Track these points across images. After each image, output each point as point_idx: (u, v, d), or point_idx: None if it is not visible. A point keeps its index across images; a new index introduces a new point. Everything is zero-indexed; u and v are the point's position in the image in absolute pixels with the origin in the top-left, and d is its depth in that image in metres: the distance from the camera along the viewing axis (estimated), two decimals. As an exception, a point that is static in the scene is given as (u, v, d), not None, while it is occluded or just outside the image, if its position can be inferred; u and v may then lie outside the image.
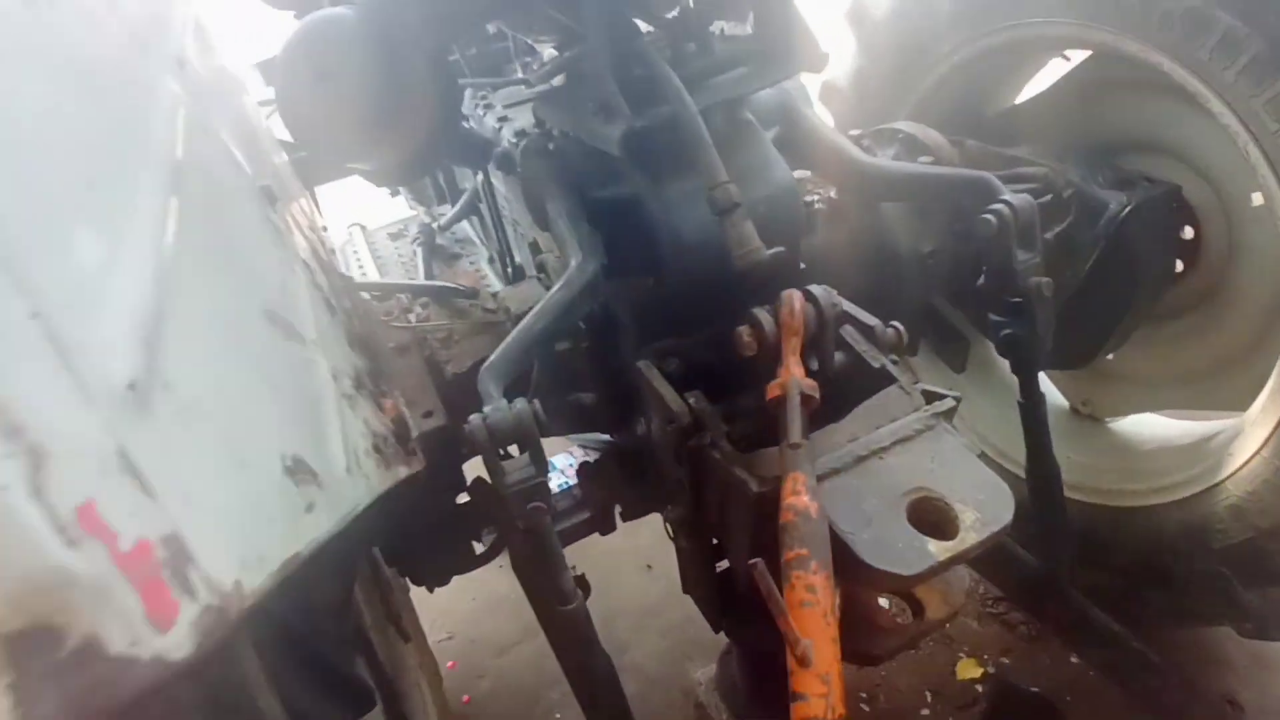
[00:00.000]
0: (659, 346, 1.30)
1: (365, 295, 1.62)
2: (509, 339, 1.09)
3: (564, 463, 2.69)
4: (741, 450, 1.14)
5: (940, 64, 1.78)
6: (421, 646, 1.92)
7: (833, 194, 1.66)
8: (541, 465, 1.04)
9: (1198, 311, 1.77)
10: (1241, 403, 1.63)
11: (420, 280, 1.77)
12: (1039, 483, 1.48)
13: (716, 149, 1.15)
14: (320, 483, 0.52)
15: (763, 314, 1.13)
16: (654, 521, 2.55)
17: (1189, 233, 1.68)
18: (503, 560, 2.61)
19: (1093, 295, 1.64)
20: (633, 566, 2.44)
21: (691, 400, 1.20)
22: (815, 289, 1.15)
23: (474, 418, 1.01)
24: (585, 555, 2.54)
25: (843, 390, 1.28)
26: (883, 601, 1.20)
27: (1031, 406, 1.41)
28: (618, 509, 1.64)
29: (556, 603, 1.18)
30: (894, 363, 1.24)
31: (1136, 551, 1.70)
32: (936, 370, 2.20)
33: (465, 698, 2.16)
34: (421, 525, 1.47)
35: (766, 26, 1.22)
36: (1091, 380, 2.01)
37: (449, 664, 2.25)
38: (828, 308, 1.14)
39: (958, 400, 1.15)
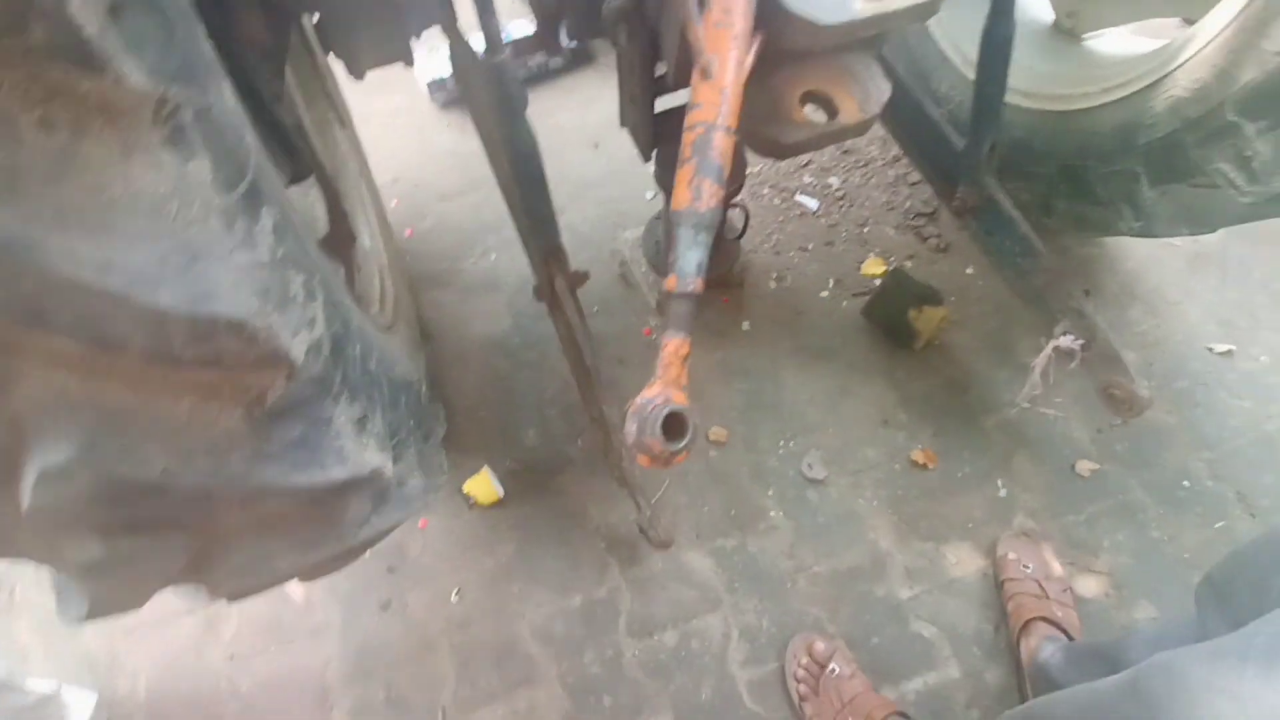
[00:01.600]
0: None
1: None
2: None
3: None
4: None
5: None
6: (362, 164, 1.98)
7: None
8: None
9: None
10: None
11: None
12: (990, 45, 1.46)
13: None
14: None
15: None
16: (604, 102, 2.52)
17: None
18: (452, 120, 2.60)
19: None
20: (580, 143, 2.46)
21: None
22: None
23: None
24: (537, 127, 2.54)
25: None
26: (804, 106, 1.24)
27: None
28: (563, 27, 1.58)
29: (483, 53, 1.18)
30: None
31: (1064, 156, 1.76)
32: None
33: (408, 231, 2.29)
34: (356, 3, 1.41)
35: None
36: (1084, -9, 1.91)
37: (393, 202, 2.35)
38: None
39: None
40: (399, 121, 2.57)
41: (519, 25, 2.38)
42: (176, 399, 0.70)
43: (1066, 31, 1.97)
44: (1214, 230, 1.62)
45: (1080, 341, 1.63)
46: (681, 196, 0.89)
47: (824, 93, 1.16)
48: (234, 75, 1.24)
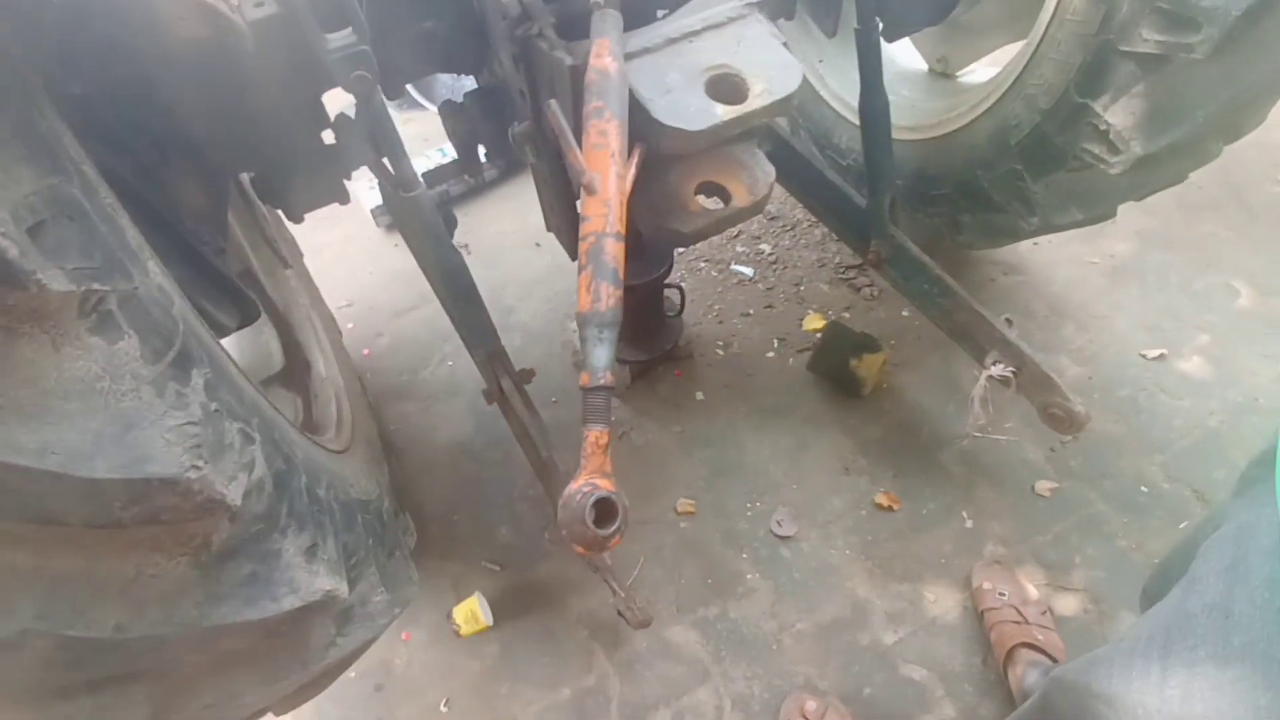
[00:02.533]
0: (494, -54, 1.29)
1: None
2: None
3: (422, 166, 2.69)
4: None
5: None
6: (313, 292, 2.07)
7: None
8: (363, 34, 1.08)
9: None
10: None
11: None
12: (869, 116, 1.59)
13: None
14: None
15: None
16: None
17: None
18: (398, 240, 2.72)
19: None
20: (522, 245, 2.58)
21: (523, -8, 1.22)
22: None
23: (285, -23, 1.02)
24: (480, 233, 2.68)
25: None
26: (699, 197, 1.35)
27: (866, 33, 1.48)
28: (481, 149, 1.71)
29: (400, 189, 1.28)
30: (725, -33, 1.27)
31: (956, 173, 1.89)
32: (810, 35, 2.23)
33: (365, 351, 2.37)
34: (287, 158, 1.52)
35: None
36: (947, 37, 2.09)
37: (348, 325, 2.44)
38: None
39: (775, -6, 1.21)
40: (349, 249, 2.70)
41: (449, 147, 2.54)
42: (122, 557, 0.75)
43: (941, 74, 2.14)
44: (1106, 211, 1.72)
45: (1011, 369, 1.71)
46: (583, 300, 0.98)
47: (716, 182, 1.28)
48: (173, 240, 1.34)
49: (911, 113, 1.95)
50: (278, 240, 1.86)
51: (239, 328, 1.52)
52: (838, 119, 2.19)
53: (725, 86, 1.12)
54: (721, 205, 1.29)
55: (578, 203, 1.57)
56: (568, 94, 1.15)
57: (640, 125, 1.09)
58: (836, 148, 2.20)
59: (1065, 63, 1.46)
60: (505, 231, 2.63)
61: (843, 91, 2.18)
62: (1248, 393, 2.02)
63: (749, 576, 1.84)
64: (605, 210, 1.00)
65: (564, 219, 1.62)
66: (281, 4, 1.05)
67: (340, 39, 1.07)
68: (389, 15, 1.43)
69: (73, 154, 0.78)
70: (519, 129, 1.43)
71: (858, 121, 2.16)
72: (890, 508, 1.91)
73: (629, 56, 1.12)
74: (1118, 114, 1.44)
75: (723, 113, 1.08)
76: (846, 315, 2.29)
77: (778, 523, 1.91)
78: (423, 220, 1.31)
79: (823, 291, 2.36)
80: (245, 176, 1.75)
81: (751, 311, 2.33)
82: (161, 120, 1.27)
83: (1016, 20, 1.89)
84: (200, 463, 0.75)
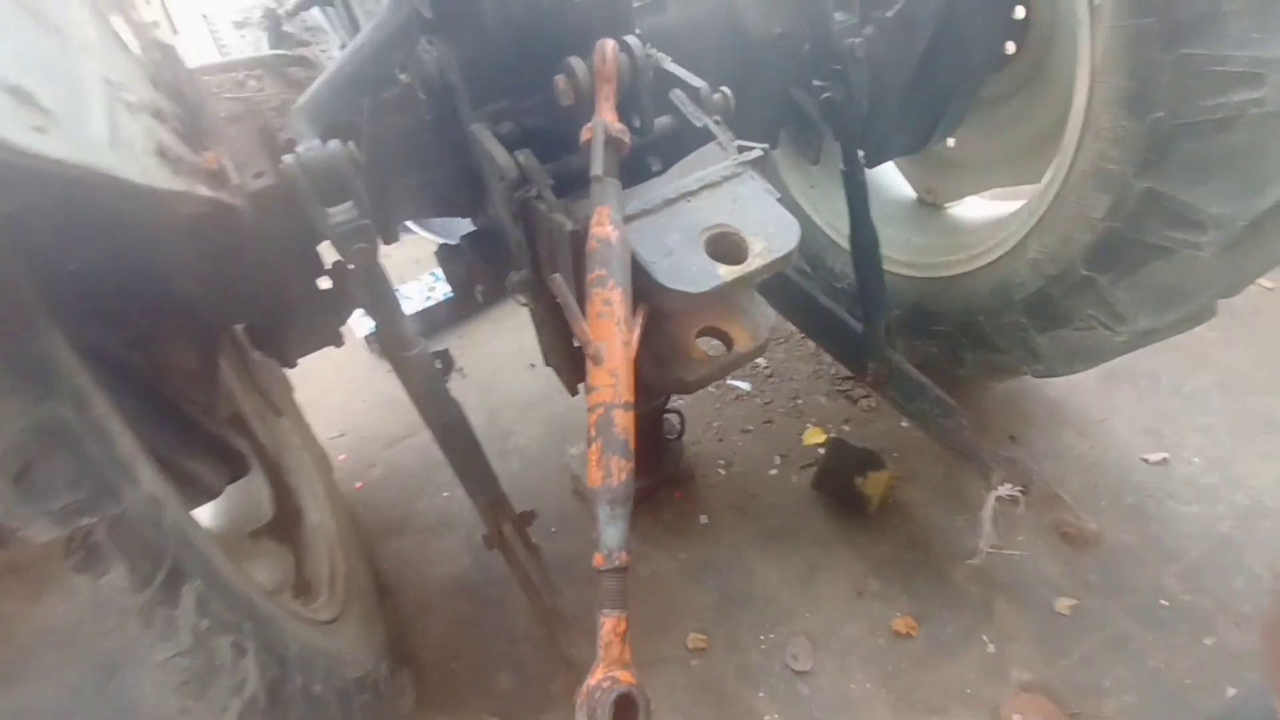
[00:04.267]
0: (492, 109, 1.32)
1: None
2: (320, 80, 1.09)
3: (415, 290, 2.75)
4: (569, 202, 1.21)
5: None
6: (304, 431, 2.03)
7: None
8: (364, 207, 1.09)
9: (1026, 93, 1.89)
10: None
11: (252, 55, 1.69)
12: (859, 248, 1.62)
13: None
14: (56, 120, 0.54)
15: (576, 61, 1.16)
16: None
17: (1020, 12, 1.75)
18: (391, 379, 2.70)
19: (928, 76, 1.72)
20: (517, 366, 2.57)
21: (520, 157, 1.25)
22: (631, 39, 1.18)
23: (287, 156, 1.03)
24: (474, 355, 2.67)
25: (672, 152, 1.35)
26: (700, 341, 1.34)
27: (851, 173, 1.52)
28: (479, 289, 1.71)
29: (399, 348, 1.27)
30: (716, 122, 1.31)
31: (956, 315, 1.92)
32: (793, 162, 2.29)
33: (358, 484, 2.31)
34: (282, 308, 1.51)
35: None
36: (935, 169, 2.15)
37: (340, 457, 2.38)
38: (641, 57, 1.18)
39: (766, 150, 1.23)
40: (341, 376, 2.67)
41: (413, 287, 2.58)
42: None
43: (929, 204, 2.20)
44: (1109, 361, 1.74)
45: (1019, 488, 1.68)
46: (594, 476, 0.95)
47: (718, 329, 1.27)
48: (161, 406, 1.30)
49: (906, 248, 1.99)
50: (270, 388, 1.83)
51: (231, 481, 1.47)
52: (830, 244, 2.23)
53: (725, 245, 1.12)
54: (724, 350, 1.28)
55: (574, 341, 1.57)
56: (568, 257, 1.15)
57: (643, 286, 1.09)
58: (831, 271, 2.24)
59: (1071, 239, 1.51)
60: (499, 353, 2.62)
61: (834, 217, 2.23)
62: (1253, 495, 2.00)
63: (767, 718, 1.74)
64: (613, 380, 0.98)
65: (563, 355, 1.60)
66: (280, 175, 1.05)
67: (341, 213, 1.07)
68: (387, 169, 1.45)
69: (65, 368, 0.76)
70: (518, 278, 1.43)
71: (843, 243, 2.23)
72: (908, 634, 1.83)
73: (628, 219, 1.13)
74: (1124, 290, 1.48)
75: (725, 273, 1.08)
76: (846, 428, 2.27)
77: (793, 655, 1.82)
78: (423, 378, 1.29)
79: (821, 404, 2.35)
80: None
81: (751, 427, 2.31)
82: (154, 285, 1.26)
83: (1006, 164, 1.96)
84: (190, 701, 0.69)
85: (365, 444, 2.43)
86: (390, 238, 1.69)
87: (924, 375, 1.78)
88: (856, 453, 2.05)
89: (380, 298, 1.19)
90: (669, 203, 1.16)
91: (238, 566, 0.99)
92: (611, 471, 0.94)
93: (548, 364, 1.72)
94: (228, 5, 2.33)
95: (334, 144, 1.03)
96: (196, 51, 2.01)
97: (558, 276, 1.02)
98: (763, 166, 1.23)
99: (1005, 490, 1.69)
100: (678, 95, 1.33)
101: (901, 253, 2.05)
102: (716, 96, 1.33)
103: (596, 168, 1.07)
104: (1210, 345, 2.35)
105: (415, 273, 2.87)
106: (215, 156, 1.11)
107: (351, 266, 1.13)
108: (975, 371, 2.02)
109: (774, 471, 2.20)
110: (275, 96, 1.43)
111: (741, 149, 1.25)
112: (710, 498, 2.15)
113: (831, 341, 1.96)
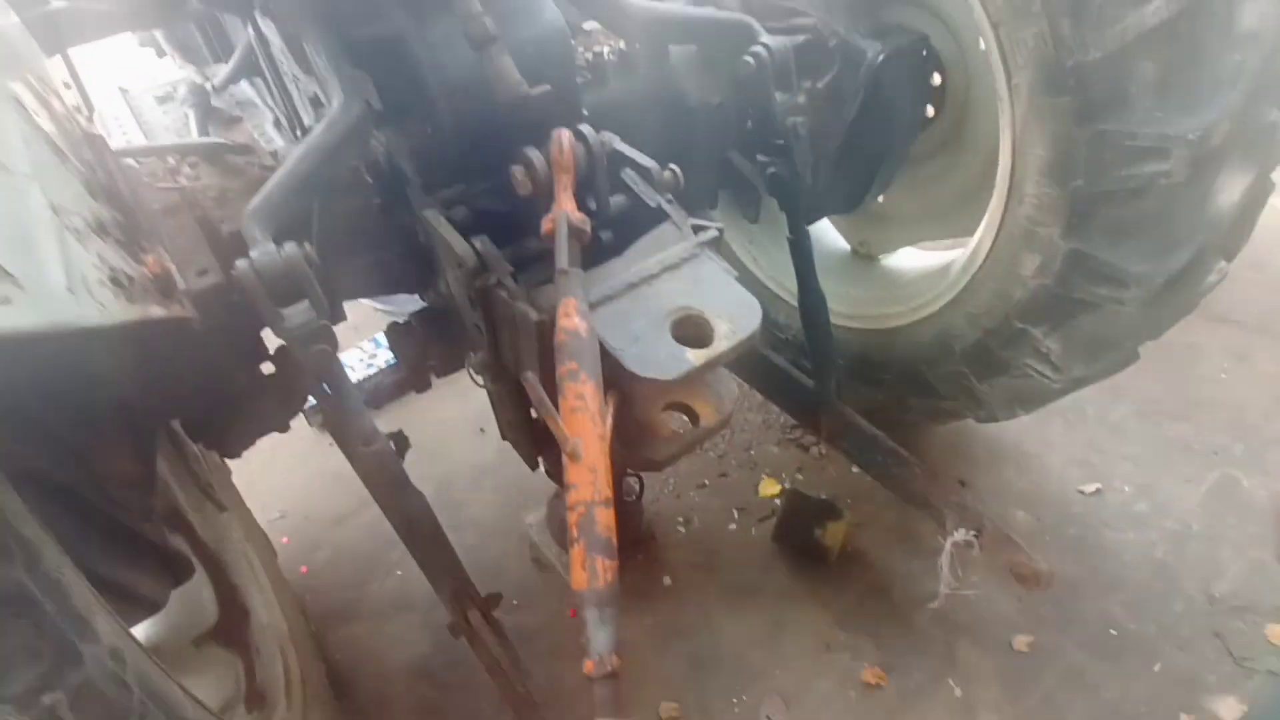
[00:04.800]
0: (445, 195, 1.31)
1: (131, 162, 1.49)
2: (272, 181, 1.06)
3: (355, 358, 2.69)
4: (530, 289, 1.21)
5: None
6: (246, 519, 1.92)
7: (622, 45, 1.69)
8: (321, 308, 1.06)
9: (946, 152, 2.00)
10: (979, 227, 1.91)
11: (188, 140, 1.63)
12: (808, 311, 1.67)
13: (481, -12, 1.14)
14: (20, 285, 0.51)
15: (533, 153, 1.16)
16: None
17: (937, 79, 1.86)
18: (333, 440, 2.60)
19: (858, 141, 1.80)
20: (466, 431, 2.52)
21: (478, 244, 1.24)
22: (585, 128, 1.20)
23: (240, 262, 0.99)
24: (420, 421, 2.59)
25: (625, 231, 1.36)
26: (664, 415, 1.34)
27: (798, 241, 1.57)
28: (431, 365, 1.68)
29: (359, 444, 1.22)
30: (669, 202, 1.34)
31: (900, 365, 1.99)
32: (733, 220, 2.35)
33: (303, 569, 2.20)
34: (224, 400, 1.44)
35: None
36: (867, 223, 2.25)
37: (283, 540, 2.26)
38: (596, 145, 1.19)
39: (720, 231, 1.27)
40: (280, 453, 2.54)
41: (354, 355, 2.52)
42: None
43: (864, 256, 2.29)
44: (1047, 405, 1.83)
45: (973, 533, 1.74)
46: (579, 578, 0.93)
47: (682, 404, 1.28)
48: (97, 519, 1.22)
49: (847, 301, 2.06)
50: (209, 480, 1.73)
51: (175, 587, 1.38)
52: (774, 298, 2.29)
53: (690, 328, 1.14)
54: (689, 425, 1.29)
55: (532, 413, 1.55)
56: (533, 345, 1.15)
57: (613, 373, 1.09)
58: (775, 323, 2.29)
59: (1004, 295, 1.59)
60: (446, 419, 2.56)
61: (775, 271, 2.29)
62: (1181, 519, 2.12)
63: (747, 784, 1.72)
64: (592, 477, 0.97)
65: (520, 432, 1.58)
66: (234, 282, 1.01)
67: (298, 315, 1.04)
68: (333, 249, 1.42)
69: (12, 517, 0.70)
70: (477, 360, 1.41)
71: (789, 299, 2.29)
72: (878, 684, 1.85)
73: (592, 305, 1.13)
74: (1057, 341, 1.58)
75: (693, 358, 1.09)
76: (800, 477, 2.30)
77: (768, 717, 1.82)
78: (383, 472, 1.25)
79: (773, 454, 2.38)
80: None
81: (707, 482, 2.32)
82: (88, 392, 1.18)
83: (933, 219, 2.06)
84: None
85: (309, 524, 2.32)
86: (337, 317, 1.65)
87: (873, 425, 1.83)
88: (813, 504, 2.09)
89: (341, 395, 1.15)
90: (631, 287, 1.18)
91: (197, 703, 0.92)
92: (597, 572, 0.92)
93: (504, 438, 1.69)
94: (146, 78, 2.26)
95: (290, 248, 1.00)
96: (117, 130, 1.93)
97: (530, 375, 1.02)
98: (718, 246, 1.26)
99: (960, 536, 1.75)
100: (629, 175, 1.36)
101: (843, 305, 2.12)
102: (666, 174, 1.36)
103: (561, 261, 1.07)
104: (1128, 375, 2.50)
105: (354, 339, 2.79)
106: (157, 260, 1.06)
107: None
108: (920, 417, 2.09)
109: (733, 526, 2.21)
110: (213, 186, 1.38)
111: (696, 228, 1.28)
112: (672, 558, 2.14)
113: (783, 397, 2.00)
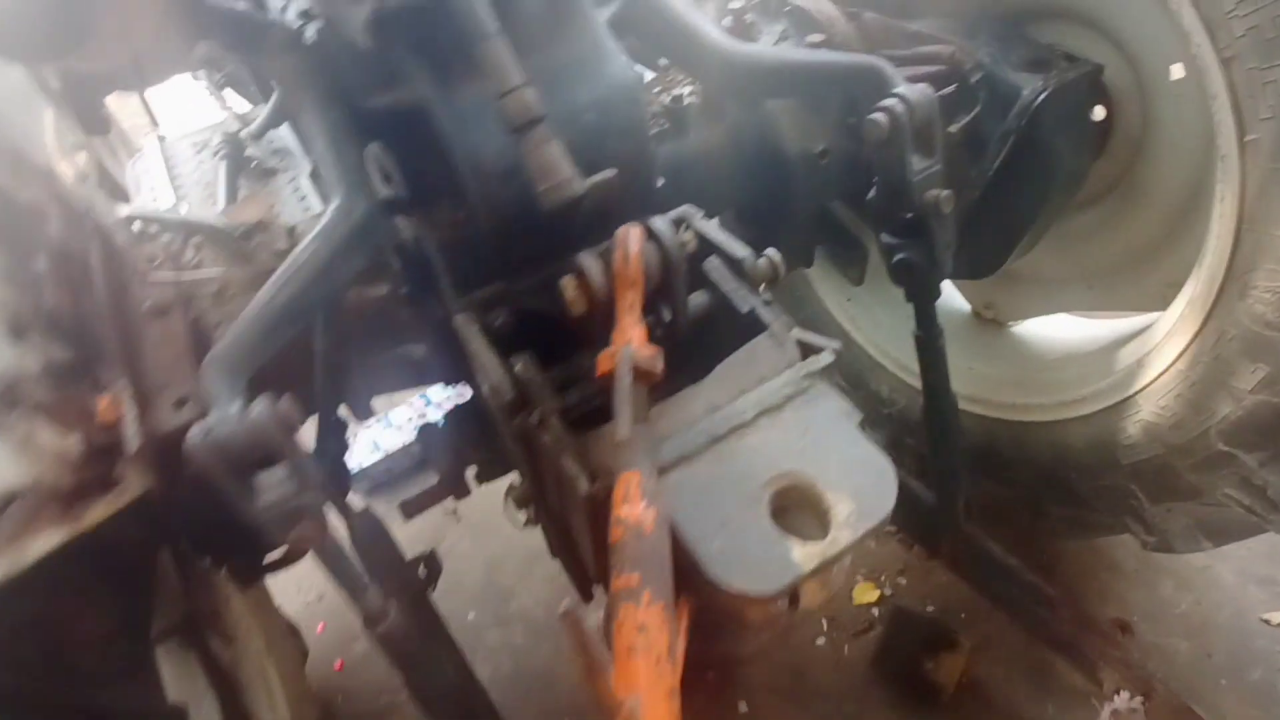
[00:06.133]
0: (481, 295, 1.04)
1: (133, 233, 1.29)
2: (243, 318, 0.81)
3: (402, 417, 2.52)
4: (584, 423, 0.93)
5: (830, -84, 1.46)
6: (271, 624, 1.71)
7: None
8: (304, 477, 0.80)
9: (1106, 203, 1.62)
10: (1150, 304, 1.51)
11: (192, 216, 1.40)
12: (935, 420, 1.33)
13: (524, 36, 0.86)
14: None
15: (590, 261, 0.88)
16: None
17: (1099, 113, 1.48)
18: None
19: (1002, 195, 1.45)
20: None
21: (519, 367, 0.96)
22: (659, 223, 0.90)
23: (194, 431, 0.74)
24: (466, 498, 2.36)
25: (706, 337, 1.06)
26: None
27: (929, 340, 1.23)
28: (470, 471, 1.43)
29: (367, 626, 0.97)
30: (767, 304, 1.03)
31: (1040, 467, 1.62)
32: (833, 281, 2.01)
33: (338, 663, 1.99)
34: (226, 529, 1.22)
35: None
36: (994, 282, 1.85)
37: (318, 627, 2.07)
38: (674, 248, 0.89)
39: (837, 353, 0.95)
40: (321, 519, 2.37)
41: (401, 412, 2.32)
42: None
43: (989, 320, 1.91)
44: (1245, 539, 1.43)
45: (1139, 698, 1.37)
46: None
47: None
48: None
49: (970, 379, 1.69)
50: (216, 610, 1.52)
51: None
52: (874, 365, 1.94)
53: (797, 507, 0.83)
54: (785, 605, 0.98)
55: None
56: (583, 520, 0.87)
57: (688, 574, 0.79)
58: (876, 395, 1.94)
59: (1205, 408, 1.21)
60: (496, 491, 2.31)
61: (877, 336, 1.94)
62: (1404, 667, 1.67)
63: None
64: (656, 755, 0.67)
65: (569, 555, 1.31)
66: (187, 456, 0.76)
67: (273, 488, 0.78)
68: (353, 344, 1.18)
69: None
70: (518, 490, 1.14)
71: (896, 370, 1.94)
72: None
73: (662, 472, 0.83)
74: (1277, 472, 1.18)
75: (802, 559, 0.78)
76: (902, 581, 1.95)
77: None
78: (396, 651, 0.99)
79: (870, 550, 2.03)
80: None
81: (792, 583, 1.99)
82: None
83: (1083, 284, 1.67)
84: None
85: (346, 610, 2.11)
86: (362, 415, 1.41)
87: (1010, 555, 1.47)
88: (922, 626, 1.74)
89: (339, 575, 0.90)
90: (715, 441, 0.87)
91: None
92: None
93: (552, 555, 1.43)
94: (188, 124, 2.09)
95: (259, 410, 0.74)
96: (147, 186, 1.75)
97: (571, 614, 0.73)
98: (832, 375, 0.94)
99: (1122, 701, 1.38)
100: (715, 267, 1.05)
101: (963, 384, 1.73)
102: (762, 264, 1.05)
103: (623, 427, 0.78)
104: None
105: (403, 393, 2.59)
106: (112, 403, 0.83)
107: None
108: (1062, 528, 1.70)
109: (822, 640, 1.87)
110: (214, 276, 1.15)
111: (804, 347, 0.96)
112: (749, 678, 1.82)
113: (897, 513, 1.65)
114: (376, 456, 2.43)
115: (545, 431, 0.92)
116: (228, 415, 0.73)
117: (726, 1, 1.54)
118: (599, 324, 0.94)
